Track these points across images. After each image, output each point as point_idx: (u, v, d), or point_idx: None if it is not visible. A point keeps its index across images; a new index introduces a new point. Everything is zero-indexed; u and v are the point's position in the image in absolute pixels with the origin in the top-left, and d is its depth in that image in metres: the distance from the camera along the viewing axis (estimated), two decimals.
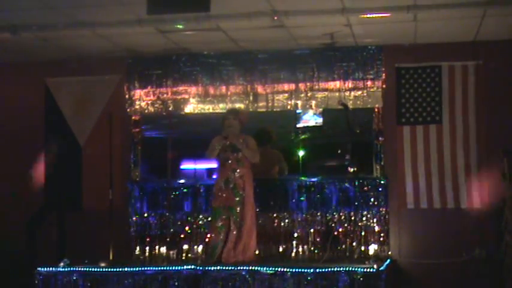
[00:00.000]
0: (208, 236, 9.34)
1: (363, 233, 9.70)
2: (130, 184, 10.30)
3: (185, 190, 10.15)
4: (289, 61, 10.08)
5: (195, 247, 9.98)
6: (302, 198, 9.88)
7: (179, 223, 10.11)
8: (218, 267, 8.16)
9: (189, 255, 9.96)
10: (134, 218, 10.21)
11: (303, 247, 9.82)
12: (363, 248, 9.66)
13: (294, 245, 9.85)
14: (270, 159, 10.10)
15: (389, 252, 9.63)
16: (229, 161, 8.95)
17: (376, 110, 9.94)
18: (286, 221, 9.90)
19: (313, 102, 10.09)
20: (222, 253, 8.79)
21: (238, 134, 9.01)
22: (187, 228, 10.06)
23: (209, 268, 8.13)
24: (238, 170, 8.92)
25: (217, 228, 8.90)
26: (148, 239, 10.15)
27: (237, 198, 8.87)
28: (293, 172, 10.67)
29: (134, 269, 8.24)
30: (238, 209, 8.85)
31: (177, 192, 10.16)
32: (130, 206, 10.23)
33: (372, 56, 9.92)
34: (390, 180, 9.76)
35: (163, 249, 10.08)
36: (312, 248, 9.79)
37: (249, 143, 9.01)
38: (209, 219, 9.56)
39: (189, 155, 11.00)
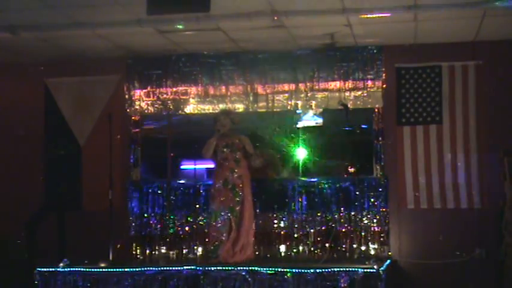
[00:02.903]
0: (210, 236, 9.31)
1: (363, 233, 9.71)
2: (130, 184, 10.30)
3: (185, 190, 10.16)
4: (289, 61, 10.08)
5: (195, 247, 9.98)
6: (302, 198, 9.88)
7: (179, 223, 10.11)
8: (218, 267, 8.16)
9: (189, 255, 9.97)
10: (134, 218, 10.22)
11: (303, 247, 9.82)
12: (363, 248, 9.67)
13: (294, 245, 9.85)
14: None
15: (390, 252, 9.64)
16: (227, 162, 8.99)
17: (376, 110, 9.94)
18: (286, 221, 9.91)
19: (313, 103, 10.09)
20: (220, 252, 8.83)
21: (231, 134, 9.08)
22: (187, 228, 10.06)
23: (209, 268, 8.13)
24: (236, 170, 8.98)
25: (219, 229, 8.92)
26: (148, 239, 10.15)
27: (237, 199, 8.92)
28: (293, 172, 10.66)
29: (134, 269, 8.24)
30: (238, 208, 8.89)
31: (177, 192, 10.17)
32: (130, 206, 10.24)
33: (372, 56, 9.92)
34: (390, 180, 9.77)
35: (163, 249, 10.08)
36: (312, 248, 9.79)
37: (246, 143, 9.13)
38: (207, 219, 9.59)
39: (189, 155, 10.99)
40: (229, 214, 8.91)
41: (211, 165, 9.64)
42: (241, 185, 8.97)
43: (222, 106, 10.16)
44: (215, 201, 9.03)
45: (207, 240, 9.56)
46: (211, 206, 9.15)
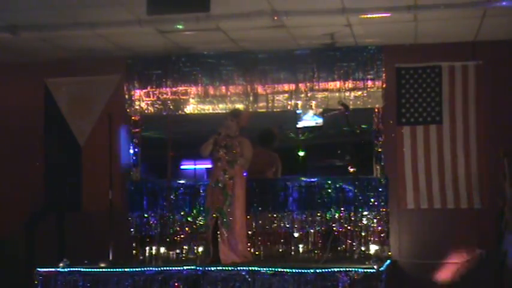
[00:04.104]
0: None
1: (363, 233, 9.71)
2: (130, 184, 10.30)
3: (185, 190, 10.16)
4: (289, 61, 10.08)
5: (195, 247, 9.97)
6: (302, 198, 9.88)
7: (179, 223, 10.11)
8: (218, 267, 8.16)
9: (189, 255, 9.97)
10: (134, 218, 10.21)
11: (303, 247, 9.82)
12: (363, 248, 9.66)
13: (294, 245, 9.85)
14: (268, 160, 10.12)
15: (390, 253, 9.63)
16: (220, 162, 8.97)
17: (376, 110, 9.94)
18: (286, 221, 9.91)
19: (313, 103, 10.09)
20: (218, 254, 8.80)
21: (234, 135, 9.04)
22: (187, 228, 10.06)
23: (209, 268, 8.13)
24: (228, 171, 8.94)
25: (207, 228, 8.93)
26: (148, 239, 10.15)
27: (226, 199, 8.88)
28: (293, 172, 10.67)
29: (134, 269, 8.24)
30: (227, 209, 8.85)
31: (177, 192, 10.17)
32: (130, 207, 10.24)
33: (372, 56, 9.92)
34: (390, 180, 9.76)
35: (163, 249, 10.08)
36: (312, 248, 9.79)
37: (244, 148, 9.04)
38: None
39: (189, 155, 11.00)
40: (216, 214, 8.87)
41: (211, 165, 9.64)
42: (232, 186, 8.93)
43: (222, 106, 10.16)
44: (207, 200, 9.04)
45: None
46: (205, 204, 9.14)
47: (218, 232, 8.85)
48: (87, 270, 8.29)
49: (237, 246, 8.91)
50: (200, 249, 9.85)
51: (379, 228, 9.69)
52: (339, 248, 9.71)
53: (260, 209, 9.89)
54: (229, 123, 9.08)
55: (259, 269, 7.99)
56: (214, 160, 9.05)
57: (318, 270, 7.84)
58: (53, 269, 8.34)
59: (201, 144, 9.16)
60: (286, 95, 10.13)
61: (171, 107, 10.38)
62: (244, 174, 9.15)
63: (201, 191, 10.02)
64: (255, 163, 9.32)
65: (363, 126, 10.20)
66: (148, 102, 10.42)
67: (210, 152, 9.08)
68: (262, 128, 10.18)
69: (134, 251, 10.16)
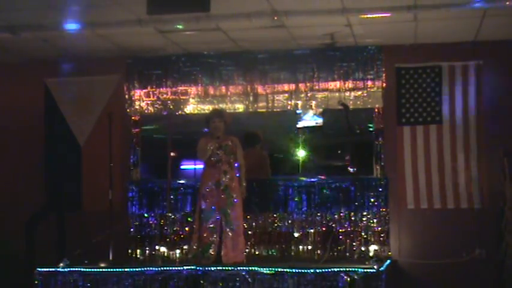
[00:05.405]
0: (195, 236, 9.14)
1: (363, 233, 9.71)
2: (130, 184, 10.30)
3: (185, 190, 10.16)
4: (289, 61, 10.08)
5: (195, 247, 9.96)
6: (302, 198, 9.88)
7: (179, 223, 10.11)
8: (218, 268, 8.16)
9: (189, 255, 9.96)
10: (134, 218, 10.21)
11: (303, 247, 9.82)
12: (363, 248, 9.67)
13: (294, 245, 9.85)
14: (258, 160, 10.11)
15: (390, 253, 9.64)
16: (221, 163, 8.95)
17: (376, 110, 9.94)
18: (286, 221, 9.91)
19: (313, 103, 10.10)
20: (221, 255, 8.80)
21: (223, 136, 9.03)
22: (187, 228, 10.06)
23: (209, 268, 8.13)
24: (229, 172, 8.94)
25: (209, 230, 8.89)
26: (148, 239, 10.15)
27: (229, 200, 8.88)
28: (293, 172, 10.67)
29: (134, 269, 8.24)
30: (230, 210, 8.86)
31: (177, 192, 10.17)
32: (130, 206, 10.24)
33: (372, 56, 9.92)
34: (390, 180, 9.77)
35: (163, 249, 10.08)
36: (312, 248, 9.79)
37: (239, 149, 9.10)
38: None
39: (189, 155, 10.99)
40: (220, 216, 8.86)
41: None
42: (233, 187, 8.94)
43: (222, 106, 10.14)
44: (206, 201, 8.99)
45: (193, 245, 9.49)
46: (201, 206, 9.06)
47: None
48: (87, 270, 8.29)
49: (239, 246, 8.92)
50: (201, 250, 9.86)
51: (379, 228, 9.70)
52: (339, 248, 9.72)
53: (260, 209, 9.88)
54: (217, 124, 9.04)
55: (259, 269, 7.99)
56: (213, 161, 9.00)
57: (318, 270, 7.84)
58: (53, 269, 8.34)
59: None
60: (286, 95, 10.13)
61: (171, 107, 10.39)
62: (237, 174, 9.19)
63: None
64: (247, 163, 9.33)
65: (363, 126, 10.20)
66: (148, 102, 10.43)
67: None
68: (246, 130, 10.17)
69: (134, 251, 10.16)
